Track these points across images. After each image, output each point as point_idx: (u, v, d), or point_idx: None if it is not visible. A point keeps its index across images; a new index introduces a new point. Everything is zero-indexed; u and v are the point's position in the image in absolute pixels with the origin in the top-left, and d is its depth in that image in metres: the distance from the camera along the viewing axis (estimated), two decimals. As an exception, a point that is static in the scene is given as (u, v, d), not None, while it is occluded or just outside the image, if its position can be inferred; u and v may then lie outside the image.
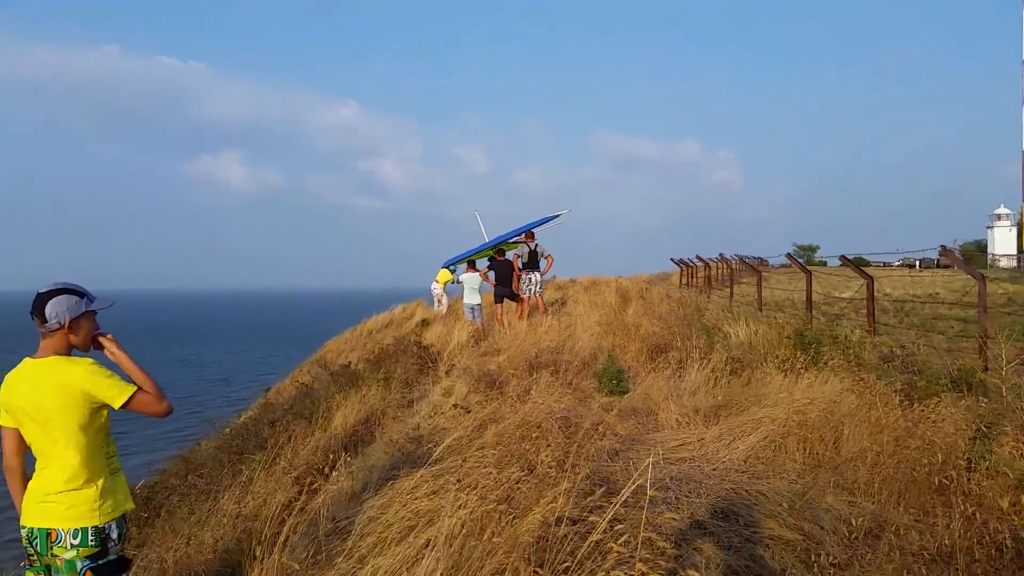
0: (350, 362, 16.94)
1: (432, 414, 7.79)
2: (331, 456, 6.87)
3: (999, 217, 60.88)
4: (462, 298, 15.23)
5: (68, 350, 2.85)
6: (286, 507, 5.56)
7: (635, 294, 16.37)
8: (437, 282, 20.29)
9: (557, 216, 18.84)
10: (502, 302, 13.91)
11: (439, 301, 20.18)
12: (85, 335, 2.87)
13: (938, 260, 49.30)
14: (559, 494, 3.76)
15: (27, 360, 2.87)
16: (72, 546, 2.75)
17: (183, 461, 9.19)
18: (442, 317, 19.05)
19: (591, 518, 2.96)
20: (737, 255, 25.41)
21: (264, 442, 7.38)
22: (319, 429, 7.72)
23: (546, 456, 4.64)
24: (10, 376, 2.88)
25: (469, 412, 7.10)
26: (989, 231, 61.90)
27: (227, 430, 9.44)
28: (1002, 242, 58.56)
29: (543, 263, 13.74)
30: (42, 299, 2.80)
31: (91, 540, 2.77)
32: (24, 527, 2.83)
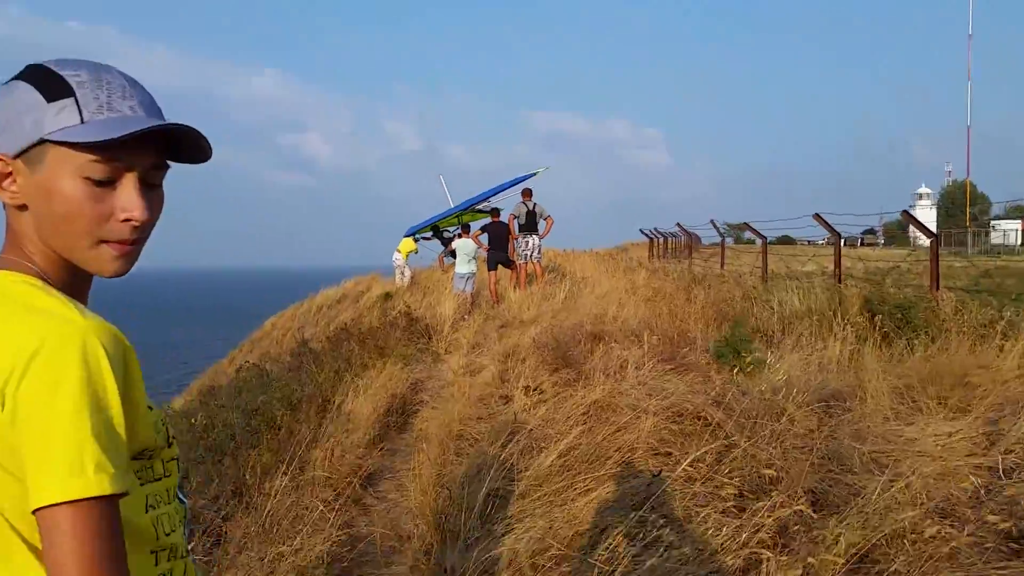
0: (306, 340, 15.00)
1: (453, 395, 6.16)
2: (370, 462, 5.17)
3: (921, 196, 63.08)
4: (453, 267, 13.46)
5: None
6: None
7: (625, 264, 15.03)
8: (399, 252, 18.41)
9: (534, 174, 17.22)
10: (495, 269, 12.25)
11: (402, 273, 18.31)
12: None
13: (862, 239, 50.47)
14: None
15: None
16: None
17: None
18: (406, 289, 17.24)
19: None
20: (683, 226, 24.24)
21: (261, 439, 5.57)
22: (332, 422, 5.95)
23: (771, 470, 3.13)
24: None
25: (543, 396, 5.51)
26: (911, 210, 64.23)
27: (192, 421, 7.47)
28: (923, 221, 60.96)
29: (542, 225, 12.15)
30: None
31: None
32: None
